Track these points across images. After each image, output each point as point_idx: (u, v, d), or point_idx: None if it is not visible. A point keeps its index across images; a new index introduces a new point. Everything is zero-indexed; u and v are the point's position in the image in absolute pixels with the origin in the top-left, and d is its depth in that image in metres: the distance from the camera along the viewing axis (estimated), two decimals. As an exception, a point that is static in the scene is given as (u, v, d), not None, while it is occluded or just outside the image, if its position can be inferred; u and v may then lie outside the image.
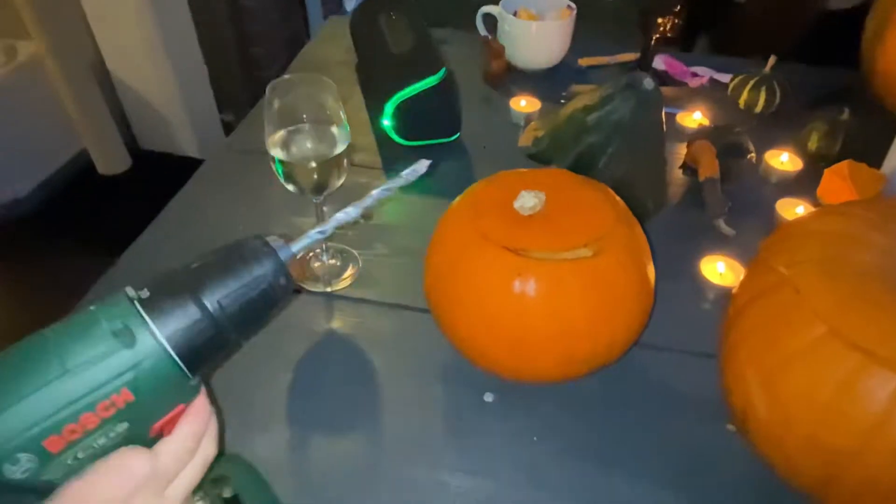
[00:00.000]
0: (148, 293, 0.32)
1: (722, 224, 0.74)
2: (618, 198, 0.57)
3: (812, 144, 0.85)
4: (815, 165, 0.84)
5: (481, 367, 0.56)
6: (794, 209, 0.75)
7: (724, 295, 0.67)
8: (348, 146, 0.58)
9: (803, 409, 0.42)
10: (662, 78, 1.04)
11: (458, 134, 0.88)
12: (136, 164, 2.04)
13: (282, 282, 0.35)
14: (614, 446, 0.54)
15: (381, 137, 0.87)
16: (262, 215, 0.76)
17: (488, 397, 0.57)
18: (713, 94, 1.00)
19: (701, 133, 0.80)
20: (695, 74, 1.04)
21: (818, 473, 0.42)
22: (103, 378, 0.30)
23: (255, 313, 0.35)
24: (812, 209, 0.75)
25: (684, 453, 0.54)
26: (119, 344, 0.31)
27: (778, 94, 0.93)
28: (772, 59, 0.94)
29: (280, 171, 0.58)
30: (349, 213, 0.39)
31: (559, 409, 0.57)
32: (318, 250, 0.69)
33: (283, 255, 0.35)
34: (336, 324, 0.64)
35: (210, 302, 0.33)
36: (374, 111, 0.86)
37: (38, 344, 0.31)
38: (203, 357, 0.33)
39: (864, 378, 0.39)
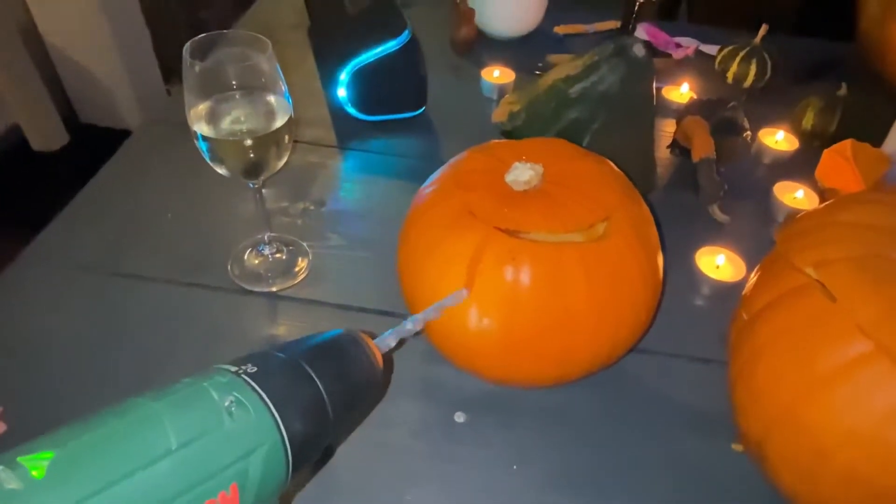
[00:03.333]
0: (255, 368, 0.29)
1: (716, 210, 0.66)
2: (621, 172, 0.49)
3: (807, 122, 0.79)
4: (810, 144, 0.78)
5: (465, 368, 0.48)
6: (793, 194, 0.69)
7: (722, 291, 0.60)
8: (290, 119, 0.48)
9: (842, 439, 0.35)
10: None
11: (424, 108, 0.78)
12: (76, 138, 1.88)
13: (376, 369, 0.35)
14: (604, 472, 0.46)
15: (336, 111, 0.77)
16: (192, 200, 0.65)
17: (459, 417, 0.49)
18: (699, 66, 0.93)
19: (691, 108, 0.72)
20: (679, 45, 0.96)
21: (856, 516, 0.36)
22: (215, 466, 0.26)
23: (354, 400, 0.33)
24: (813, 194, 0.69)
25: (684, 479, 0.46)
26: (234, 422, 0.27)
27: (769, 67, 0.86)
28: (763, 29, 0.87)
29: (206, 151, 0.47)
30: (406, 328, 0.40)
31: (541, 429, 0.49)
32: (260, 242, 0.59)
33: (374, 349, 0.36)
34: (280, 330, 0.54)
35: (319, 382, 0.31)
36: (328, 80, 0.75)
37: (144, 411, 0.26)
38: (307, 450, 0.30)
39: (921, 408, 0.32)
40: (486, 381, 0.49)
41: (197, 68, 0.45)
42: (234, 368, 0.29)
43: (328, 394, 0.31)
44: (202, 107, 0.46)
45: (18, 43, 1.70)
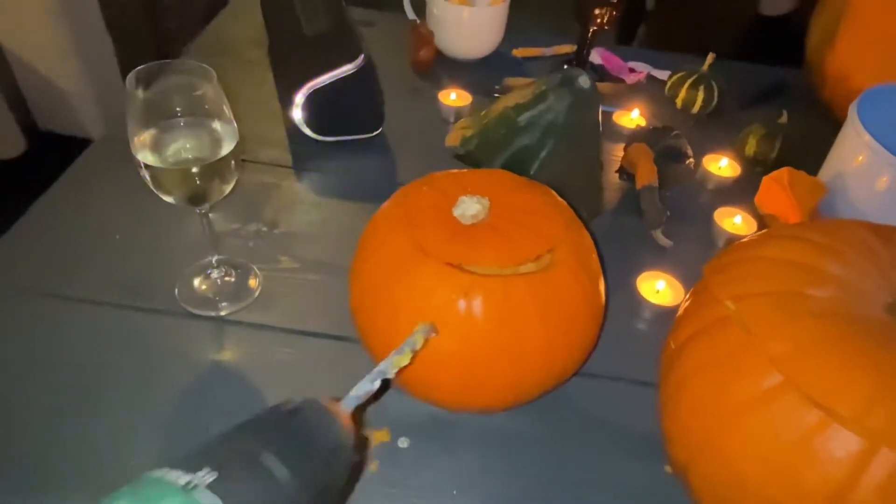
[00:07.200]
0: (214, 474, 0.25)
1: (659, 235, 0.69)
2: (564, 202, 0.51)
3: (749, 149, 0.82)
4: (753, 171, 0.81)
5: (422, 398, 0.49)
6: (732, 219, 0.72)
7: (661, 315, 0.62)
8: (235, 147, 0.49)
9: (756, 467, 0.36)
10: (599, 73, 0.98)
11: (380, 129, 0.79)
12: (34, 146, 1.84)
13: (346, 438, 0.33)
14: (543, 495, 0.48)
15: (294, 131, 0.78)
16: (142, 220, 0.65)
17: (403, 442, 0.50)
18: (651, 91, 0.96)
19: (637, 135, 0.75)
20: (632, 70, 0.99)
21: (770, 540, 0.37)
22: None
23: (329, 477, 0.30)
24: (751, 219, 0.72)
25: (622, 501, 0.48)
26: None
27: (716, 94, 0.89)
28: (710, 57, 0.90)
29: (149, 179, 0.47)
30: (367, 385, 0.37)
31: (483, 453, 0.50)
32: (208, 265, 0.59)
33: (342, 415, 0.33)
34: (227, 355, 0.54)
35: (290, 473, 0.28)
36: (285, 101, 0.76)
37: None
38: None
39: (824, 438, 0.34)
40: (442, 408, 0.50)
41: (140, 97, 0.45)
42: (184, 480, 0.25)
43: (301, 485, 0.28)
44: (146, 135, 0.46)
45: (-28, 47, 1.67)
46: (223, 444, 0.28)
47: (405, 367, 0.40)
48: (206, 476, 0.25)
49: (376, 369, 0.38)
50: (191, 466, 0.26)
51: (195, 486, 0.25)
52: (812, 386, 0.34)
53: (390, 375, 0.39)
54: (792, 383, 0.35)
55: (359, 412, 0.38)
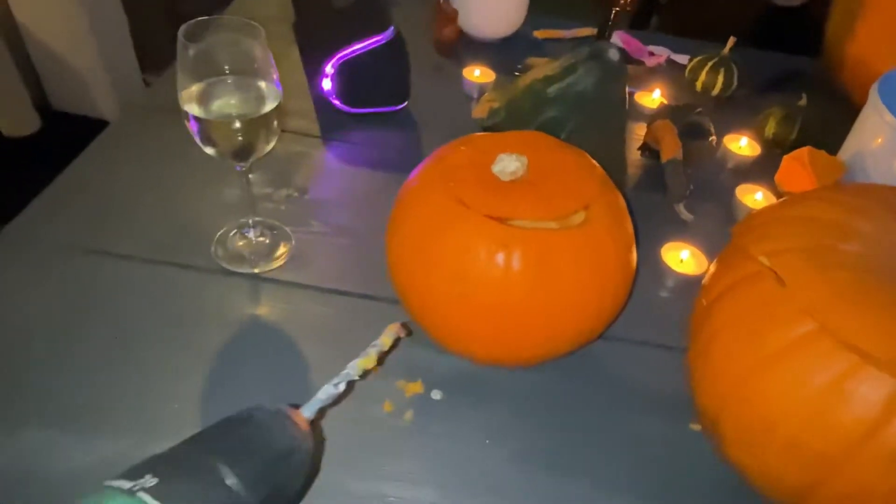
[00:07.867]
0: (155, 479, 0.26)
1: (682, 208, 0.70)
2: (597, 164, 0.52)
3: (769, 130, 0.83)
4: (772, 151, 0.82)
5: (457, 352, 0.50)
6: (753, 195, 0.73)
7: (685, 283, 0.63)
8: (279, 104, 0.50)
9: (786, 411, 0.38)
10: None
11: (406, 102, 0.80)
12: (47, 125, 1.85)
13: (303, 443, 0.34)
14: (571, 449, 0.49)
15: (320, 102, 0.79)
16: (177, 184, 0.66)
17: (436, 395, 0.51)
18: (670, 74, 0.97)
19: (661, 112, 0.76)
20: (652, 53, 1.00)
21: (799, 481, 0.39)
22: None
23: (281, 483, 0.31)
24: (772, 196, 0.73)
25: (646, 457, 0.49)
26: None
27: (735, 78, 0.90)
28: (731, 41, 0.91)
29: (196, 132, 0.49)
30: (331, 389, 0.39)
31: (513, 408, 0.51)
32: (245, 225, 0.61)
33: (298, 420, 0.35)
34: (262, 311, 0.56)
35: (238, 478, 0.29)
36: (313, 73, 0.77)
37: None
38: None
39: (857, 380, 0.35)
40: (474, 362, 0.52)
41: (191, 51, 0.46)
42: (128, 485, 0.26)
43: (247, 488, 0.29)
44: (194, 88, 0.48)
45: (-9, 26, 1.68)
46: (170, 452, 0.30)
47: (371, 369, 0.42)
48: (150, 481, 0.27)
49: (341, 373, 0.40)
50: (135, 474, 0.27)
51: (139, 489, 0.26)
52: (847, 331, 0.36)
53: (355, 378, 0.41)
54: (826, 329, 0.36)
55: (321, 415, 0.40)
